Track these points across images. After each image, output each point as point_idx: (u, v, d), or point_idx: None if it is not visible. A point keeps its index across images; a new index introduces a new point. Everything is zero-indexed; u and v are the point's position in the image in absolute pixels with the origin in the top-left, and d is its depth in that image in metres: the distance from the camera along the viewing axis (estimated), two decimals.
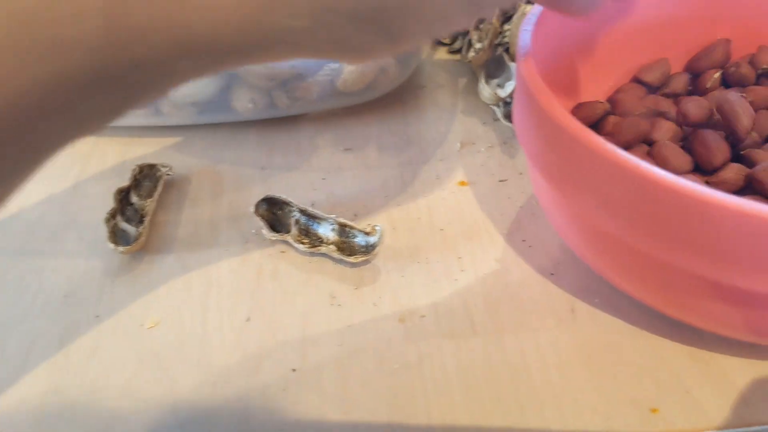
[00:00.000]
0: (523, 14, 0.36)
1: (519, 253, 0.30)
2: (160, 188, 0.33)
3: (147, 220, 0.31)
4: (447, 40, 0.44)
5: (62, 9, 0.15)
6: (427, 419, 0.23)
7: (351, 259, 0.29)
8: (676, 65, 0.35)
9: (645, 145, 0.30)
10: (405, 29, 0.19)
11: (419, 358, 0.26)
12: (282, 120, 0.38)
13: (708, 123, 0.29)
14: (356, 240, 0.30)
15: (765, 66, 0.33)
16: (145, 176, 0.34)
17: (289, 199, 0.31)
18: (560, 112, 0.23)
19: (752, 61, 0.33)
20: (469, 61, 0.39)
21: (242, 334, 0.27)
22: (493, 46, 0.38)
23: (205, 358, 0.26)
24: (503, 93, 0.35)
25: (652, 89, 0.34)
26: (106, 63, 0.16)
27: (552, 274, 0.29)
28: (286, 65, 0.35)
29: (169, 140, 0.37)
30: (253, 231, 0.31)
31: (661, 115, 0.32)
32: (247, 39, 0.17)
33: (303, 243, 0.30)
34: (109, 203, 0.32)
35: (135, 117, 0.37)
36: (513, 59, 0.37)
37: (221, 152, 0.36)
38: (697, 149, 0.28)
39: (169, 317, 0.28)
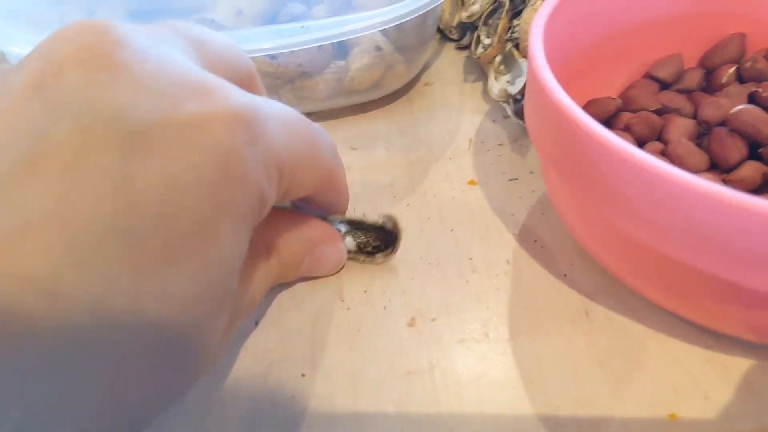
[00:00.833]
0: (534, 9, 0.35)
1: (531, 254, 0.29)
2: None
3: None
4: (455, 36, 0.43)
5: None
6: (440, 426, 0.23)
7: (378, 260, 0.29)
8: (690, 61, 0.35)
9: (659, 142, 0.29)
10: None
11: (430, 364, 0.25)
12: None
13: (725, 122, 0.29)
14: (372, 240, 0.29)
15: None
16: None
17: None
18: (574, 108, 0.22)
19: None
20: (478, 58, 0.39)
21: (251, 338, 0.26)
22: (503, 42, 0.38)
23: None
24: (513, 90, 0.34)
25: (665, 85, 0.34)
26: None
27: (565, 275, 0.28)
28: (293, 63, 0.34)
29: None
30: None
31: (676, 111, 0.31)
32: None
33: None
34: None
35: None
36: (523, 55, 0.36)
37: None
38: (713, 147, 0.28)
39: None
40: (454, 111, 0.38)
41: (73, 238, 0.15)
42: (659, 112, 0.31)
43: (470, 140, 0.36)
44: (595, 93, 0.32)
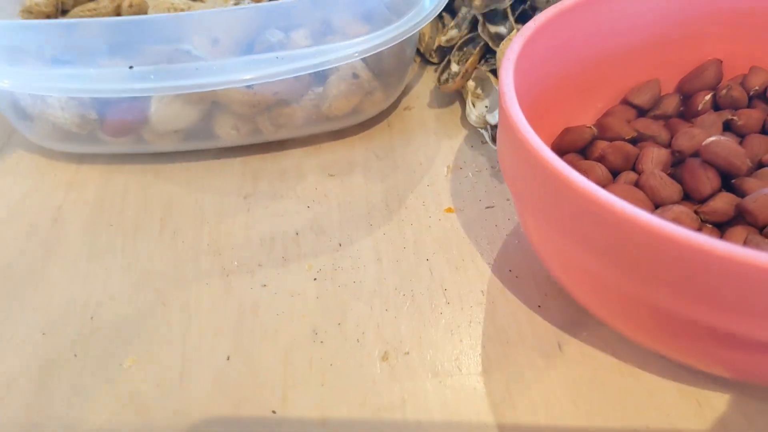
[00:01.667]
0: (510, 39, 0.35)
1: (505, 284, 0.29)
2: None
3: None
4: (435, 60, 0.43)
5: None
6: None
7: None
8: (667, 86, 0.35)
9: (633, 172, 0.29)
10: None
11: (402, 399, 0.25)
12: (266, 146, 0.38)
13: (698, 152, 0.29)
14: None
15: (757, 88, 0.32)
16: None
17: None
18: (540, 147, 0.22)
19: (744, 83, 0.33)
20: (439, 86, 0.39)
21: (222, 373, 0.26)
22: (468, 76, 0.38)
23: (185, 399, 0.25)
24: (492, 119, 0.34)
25: (642, 111, 0.34)
26: None
27: (539, 306, 0.28)
28: (269, 91, 0.34)
29: (150, 167, 0.37)
30: (235, 263, 0.31)
31: (651, 138, 0.31)
32: None
33: None
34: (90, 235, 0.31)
35: (117, 144, 0.36)
36: None
37: (203, 180, 0.36)
38: (686, 178, 0.28)
39: (148, 355, 0.27)
40: (433, 136, 0.38)
41: None
42: (635, 140, 0.31)
43: (448, 166, 0.36)
44: (573, 119, 0.32)
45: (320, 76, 0.35)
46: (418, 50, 0.40)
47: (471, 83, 0.38)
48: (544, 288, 0.29)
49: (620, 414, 0.24)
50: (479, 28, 0.38)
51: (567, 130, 0.31)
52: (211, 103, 0.35)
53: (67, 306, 0.29)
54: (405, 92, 0.42)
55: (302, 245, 0.32)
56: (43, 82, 0.32)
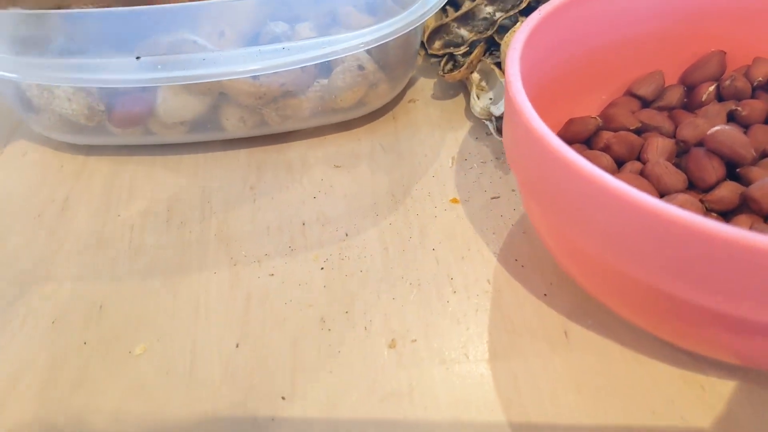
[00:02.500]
0: (514, 32, 0.36)
1: (511, 273, 0.29)
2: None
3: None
4: (439, 53, 0.43)
5: None
6: None
7: None
8: (671, 78, 0.35)
9: (638, 161, 0.29)
10: None
11: (410, 386, 0.25)
12: (273, 137, 0.38)
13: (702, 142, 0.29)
14: None
15: (760, 79, 0.32)
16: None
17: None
18: (547, 134, 0.22)
19: (747, 74, 0.33)
20: (442, 75, 0.39)
21: (231, 361, 0.26)
22: (472, 68, 0.38)
23: (194, 386, 0.26)
24: (497, 111, 0.35)
25: (646, 103, 0.34)
26: None
27: (545, 294, 0.28)
28: (276, 83, 0.34)
29: (158, 158, 0.37)
30: (243, 253, 0.31)
31: (656, 129, 0.31)
32: None
33: None
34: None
35: (124, 136, 0.37)
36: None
37: (211, 171, 0.36)
38: (690, 167, 0.28)
39: (158, 344, 0.27)
40: (438, 128, 0.38)
41: None
42: (639, 131, 0.31)
43: (453, 158, 0.36)
44: (577, 110, 0.32)
45: (326, 68, 0.36)
46: (422, 43, 0.40)
47: (475, 75, 0.38)
48: (550, 277, 0.29)
49: (625, 401, 0.24)
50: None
51: (572, 121, 0.31)
52: (218, 95, 0.35)
53: (76, 295, 0.29)
54: (409, 85, 0.42)
55: (309, 235, 0.32)
56: (50, 72, 0.32)
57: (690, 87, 0.34)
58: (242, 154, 0.37)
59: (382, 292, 0.29)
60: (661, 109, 0.33)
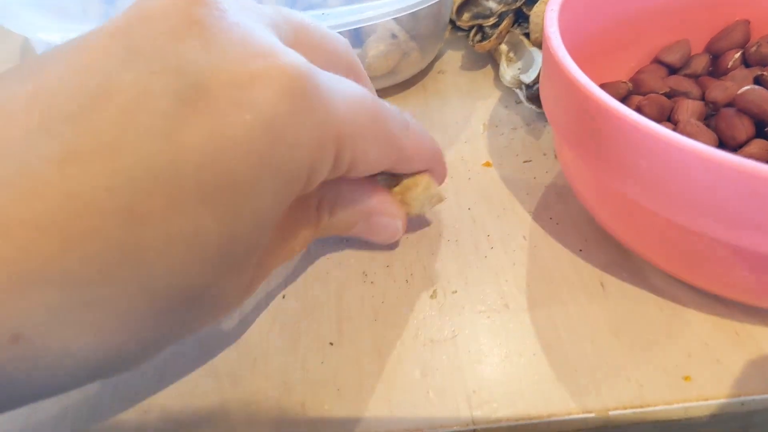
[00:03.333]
0: (544, 2, 0.36)
1: (547, 231, 0.30)
2: None
3: None
4: (467, 25, 0.44)
5: None
6: (464, 388, 0.24)
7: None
8: (697, 46, 0.36)
9: (669, 123, 0.30)
10: None
11: (453, 332, 0.26)
12: None
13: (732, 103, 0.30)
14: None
15: None
16: None
17: None
18: (590, 84, 0.23)
19: None
20: (473, 46, 0.40)
21: (279, 311, 0.27)
22: (500, 38, 0.39)
23: (244, 335, 0.27)
24: (527, 79, 0.35)
25: (673, 70, 0.35)
26: None
27: (580, 250, 0.29)
28: None
29: None
30: None
31: (684, 94, 0.32)
32: None
33: None
34: None
35: None
36: (534, 44, 0.38)
37: None
38: (721, 126, 0.29)
39: None
40: (467, 97, 0.39)
41: (117, 169, 0.16)
42: (668, 96, 0.32)
43: (484, 124, 0.37)
44: (606, 78, 0.33)
45: (359, 38, 0.37)
46: (449, 17, 0.41)
47: (503, 47, 0.39)
48: (585, 234, 0.30)
49: (661, 344, 0.25)
50: None
51: (603, 86, 0.32)
52: None
53: None
54: (437, 57, 0.43)
55: None
56: None
57: (715, 55, 0.35)
58: None
59: (421, 248, 0.30)
60: (687, 76, 0.34)
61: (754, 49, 0.33)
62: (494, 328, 0.26)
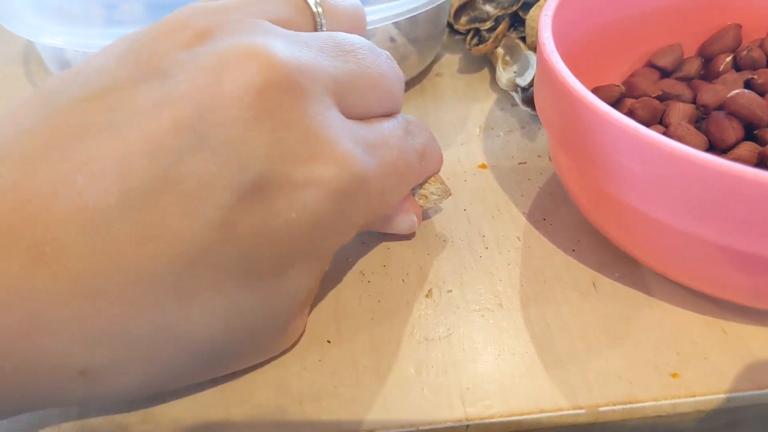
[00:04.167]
0: (539, 6, 0.37)
1: (540, 231, 0.31)
2: None
3: None
4: (464, 29, 0.45)
5: None
6: (458, 385, 0.25)
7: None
8: (689, 50, 0.37)
9: (660, 125, 0.31)
10: None
11: (448, 330, 0.27)
12: None
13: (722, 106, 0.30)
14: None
15: None
16: None
17: None
18: (582, 90, 0.24)
19: (762, 45, 0.34)
20: (469, 49, 0.40)
21: None
22: (497, 42, 0.40)
23: None
24: (522, 82, 0.36)
25: (666, 73, 0.35)
26: None
27: (573, 250, 0.30)
28: None
29: None
30: None
31: (676, 97, 0.33)
32: None
33: None
34: None
35: None
36: (530, 48, 0.38)
37: None
38: (711, 129, 0.30)
39: None
40: (464, 100, 0.40)
41: (176, 255, 0.18)
42: (660, 99, 0.33)
43: (480, 127, 0.37)
44: (599, 81, 0.34)
45: None
46: (447, 21, 0.42)
47: (500, 50, 0.40)
48: (578, 235, 0.30)
49: (652, 342, 0.26)
50: None
51: (596, 89, 0.33)
52: None
53: None
54: (435, 60, 0.44)
55: None
56: (96, 40, 0.34)
57: (707, 59, 0.36)
58: None
59: (417, 248, 0.30)
60: (680, 79, 0.35)
61: (744, 53, 0.34)
62: (488, 326, 0.27)
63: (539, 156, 0.35)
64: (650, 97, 0.32)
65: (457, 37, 0.43)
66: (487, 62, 0.43)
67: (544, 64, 0.27)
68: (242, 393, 0.25)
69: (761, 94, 0.32)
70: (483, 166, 0.35)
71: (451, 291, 0.28)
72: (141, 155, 0.18)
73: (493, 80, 0.41)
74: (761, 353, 0.25)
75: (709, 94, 0.31)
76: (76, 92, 0.19)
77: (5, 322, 0.17)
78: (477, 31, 0.41)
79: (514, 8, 0.39)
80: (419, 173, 0.27)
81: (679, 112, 0.31)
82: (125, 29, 0.34)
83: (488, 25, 0.40)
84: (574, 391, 0.24)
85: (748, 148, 0.28)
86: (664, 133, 0.30)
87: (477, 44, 0.40)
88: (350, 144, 0.22)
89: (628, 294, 0.28)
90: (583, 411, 0.24)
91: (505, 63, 0.39)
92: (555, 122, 0.27)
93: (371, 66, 0.24)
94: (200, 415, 0.24)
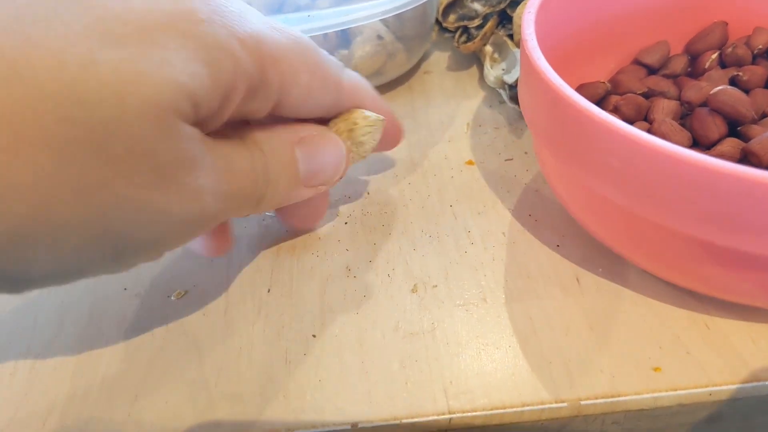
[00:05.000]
0: (525, 4, 0.37)
1: (525, 227, 0.31)
2: None
3: None
4: (452, 27, 0.45)
5: None
6: (441, 380, 0.25)
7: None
8: (676, 47, 0.37)
9: (645, 122, 0.31)
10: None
11: (432, 325, 0.27)
12: None
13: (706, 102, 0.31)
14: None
15: (760, 47, 0.34)
16: None
17: None
18: (565, 87, 0.24)
19: (748, 43, 0.34)
20: (458, 47, 0.41)
21: (263, 304, 0.28)
22: (486, 40, 0.40)
23: (229, 326, 0.27)
24: (510, 79, 0.36)
25: (652, 70, 0.36)
26: None
27: (558, 246, 0.30)
28: None
29: None
30: (270, 213, 0.33)
31: (661, 94, 0.33)
32: None
33: None
34: None
35: None
36: (517, 46, 0.38)
37: None
38: (695, 126, 0.30)
39: (194, 289, 0.29)
40: (452, 97, 0.40)
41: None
42: (646, 95, 0.33)
43: (467, 124, 0.38)
44: (585, 78, 0.34)
45: (346, 39, 0.37)
46: (435, 19, 0.42)
47: (488, 48, 0.40)
48: (562, 230, 0.31)
49: (634, 337, 0.26)
50: None
51: (582, 86, 0.33)
52: None
53: None
54: (424, 58, 0.44)
55: (332, 194, 0.34)
56: None
57: (694, 56, 0.36)
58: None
59: (403, 243, 0.31)
60: (666, 76, 0.35)
61: (730, 50, 0.34)
62: (472, 321, 0.27)
63: (526, 153, 0.35)
64: (635, 94, 0.33)
65: (446, 35, 0.43)
66: (476, 60, 0.43)
67: (526, 61, 0.27)
68: (227, 386, 0.25)
69: (746, 91, 0.32)
70: (470, 163, 0.35)
71: (436, 286, 0.29)
72: None
73: (482, 78, 0.42)
74: (743, 348, 0.25)
75: (693, 90, 0.31)
76: None
77: None
78: (465, 29, 0.41)
79: (502, 6, 0.39)
80: (337, 80, 0.25)
81: (663, 108, 0.31)
82: None
83: (476, 22, 0.40)
84: (557, 385, 0.24)
85: (730, 144, 0.28)
86: (649, 130, 0.30)
87: (465, 42, 0.40)
88: None
89: (611, 289, 0.28)
90: (565, 404, 0.24)
91: (494, 60, 0.39)
92: (537, 119, 0.27)
93: None
94: (183, 411, 0.24)
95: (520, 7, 0.38)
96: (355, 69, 0.38)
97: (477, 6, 0.40)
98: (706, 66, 0.35)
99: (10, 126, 0.17)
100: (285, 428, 0.24)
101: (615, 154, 0.23)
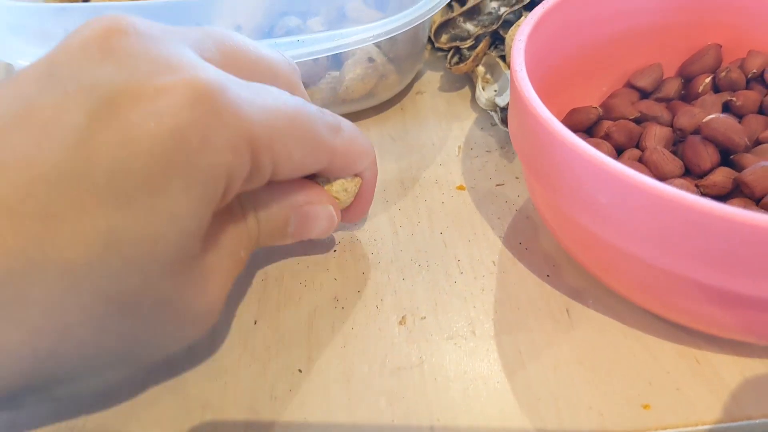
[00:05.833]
0: (518, 25, 0.37)
1: (516, 256, 0.31)
2: None
3: None
4: (445, 47, 0.45)
5: None
6: (428, 417, 0.24)
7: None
8: (669, 70, 0.36)
9: (637, 149, 0.31)
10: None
11: (420, 359, 0.27)
12: None
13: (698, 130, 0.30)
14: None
15: (755, 71, 0.34)
16: None
17: None
18: (552, 121, 0.24)
19: (742, 66, 0.34)
20: (449, 68, 0.40)
21: (249, 336, 0.28)
22: (478, 61, 0.39)
23: (215, 359, 0.27)
24: (501, 101, 0.36)
25: (645, 94, 0.35)
26: None
27: (548, 275, 0.30)
28: None
29: None
30: None
31: (654, 119, 0.33)
32: None
33: None
34: None
35: None
36: (509, 67, 0.38)
37: None
38: (687, 154, 0.29)
39: None
40: (444, 119, 0.40)
41: (34, 176, 0.18)
42: (638, 120, 0.33)
43: (459, 147, 0.37)
44: (578, 101, 0.34)
45: (337, 61, 0.37)
46: (428, 38, 0.42)
47: (480, 68, 0.40)
48: (553, 259, 0.30)
49: (623, 372, 0.26)
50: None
51: (574, 111, 0.33)
52: None
53: None
54: (417, 78, 0.43)
55: None
56: None
57: (687, 79, 0.36)
58: None
59: (392, 272, 0.30)
60: (659, 100, 0.35)
61: (723, 74, 0.34)
62: (460, 355, 0.27)
63: (517, 177, 0.35)
64: (627, 119, 0.32)
65: (440, 54, 0.43)
66: (468, 80, 0.43)
67: (515, 92, 0.26)
68: (213, 419, 0.25)
69: (740, 117, 0.32)
70: (461, 188, 0.35)
71: (424, 318, 0.28)
72: (1, 101, 0.19)
73: (474, 99, 0.41)
74: (733, 383, 0.25)
75: (686, 117, 0.31)
76: None
77: None
78: (458, 50, 0.40)
79: (494, 27, 0.39)
80: (330, 147, 0.26)
81: (656, 135, 0.31)
82: None
83: (469, 43, 0.40)
84: (545, 423, 0.24)
85: (723, 173, 0.28)
86: (641, 158, 0.30)
87: (457, 63, 0.40)
88: (203, 64, 0.22)
89: (602, 321, 0.28)
90: None
91: (486, 81, 0.39)
92: (525, 149, 0.27)
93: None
94: None
95: (513, 28, 0.38)
96: (347, 91, 0.37)
97: (469, 26, 0.40)
98: (700, 90, 0.34)
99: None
100: None
101: (603, 191, 0.22)
